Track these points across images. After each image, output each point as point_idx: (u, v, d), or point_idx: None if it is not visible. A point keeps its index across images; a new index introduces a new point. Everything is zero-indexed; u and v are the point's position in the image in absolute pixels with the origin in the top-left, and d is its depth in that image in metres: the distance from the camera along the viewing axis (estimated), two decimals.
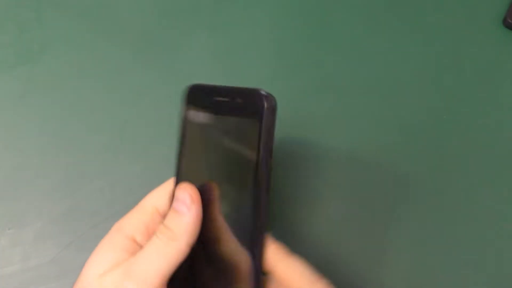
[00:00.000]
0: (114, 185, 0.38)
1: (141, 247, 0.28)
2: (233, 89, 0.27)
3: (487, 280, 0.36)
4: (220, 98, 0.28)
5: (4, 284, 0.35)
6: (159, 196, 0.30)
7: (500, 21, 0.45)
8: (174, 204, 0.27)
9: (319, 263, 0.28)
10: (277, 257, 0.26)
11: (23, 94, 0.42)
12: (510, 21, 0.44)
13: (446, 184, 0.39)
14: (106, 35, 0.44)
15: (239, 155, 0.26)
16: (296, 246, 0.37)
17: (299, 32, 0.45)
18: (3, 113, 0.41)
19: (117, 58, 0.43)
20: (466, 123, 0.41)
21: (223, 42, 0.44)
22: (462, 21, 0.45)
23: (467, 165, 0.39)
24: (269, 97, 0.26)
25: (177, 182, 0.29)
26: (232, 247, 0.26)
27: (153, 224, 0.29)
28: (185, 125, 0.29)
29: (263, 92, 0.26)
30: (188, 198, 0.26)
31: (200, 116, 0.29)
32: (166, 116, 0.41)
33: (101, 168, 0.39)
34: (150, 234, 0.29)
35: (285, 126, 0.41)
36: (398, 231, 0.37)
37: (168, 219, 0.27)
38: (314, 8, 0.46)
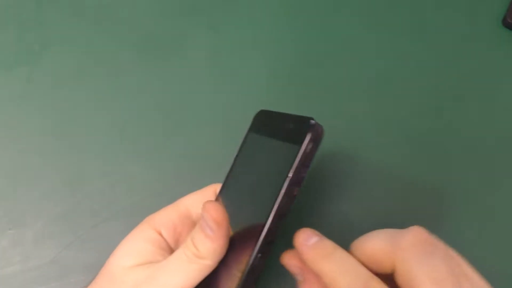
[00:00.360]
0: (114, 186, 0.38)
1: (165, 241, 0.28)
2: (289, 116, 0.28)
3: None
4: (276, 123, 0.29)
5: (4, 284, 0.35)
6: (195, 199, 0.30)
7: (500, 21, 0.45)
8: (202, 222, 0.26)
9: None
10: (320, 257, 0.24)
11: (23, 94, 0.42)
12: (509, 21, 0.44)
13: (446, 183, 0.39)
14: (106, 35, 0.45)
15: (270, 178, 0.27)
16: None
17: (299, 32, 0.45)
18: (3, 113, 0.41)
19: (117, 58, 0.43)
20: (466, 123, 0.41)
21: (223, 42, 0.44)
22: (462, 21, 0.45)
23: (467, 164, 0.39)
24: (316, 127, 0.26)
25: (221, 191, 0.30)
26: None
27: (181, 223, 0.30)
28: (243, 144, 0.31)
29: (312, 122, 0.26)
30: (213, 222, 0.26)
31: (255, 139, 0.31)
32: (167, 116, 0.41)
33: (101, 169, 0.39)
34: (175, 231, 0.29)
35: None
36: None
37: (195, 237, 0.26)
38: (314, 8, 0.46)
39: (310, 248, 0.25)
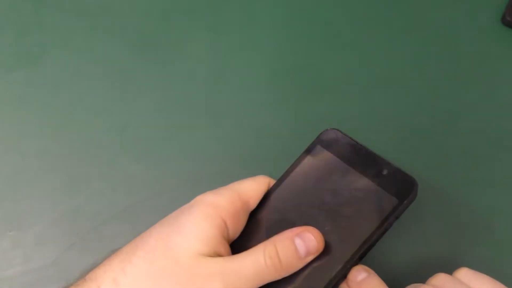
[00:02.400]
0: (114, 187, 0.38)
1: (228, 231, 0.28)
2: (386, 162, 0.29)
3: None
4: (365, 160, 0.30)
5: (5, 286, 0.35)
6: (252, 186, 0.30)
7: (499, 19, 0.45)
8: (300, 242, 0.27)
9: None
10: None
11: (23, 96, 0.42)
12: (508, 18, 0.44)
13: (445, 182, 0.39)
14: (106, 36, 0.45)
15: (356, 215, 0.28)
16: None
17: (298, 32, 0.45)
18: (3, 115, 0.41)
19: (117, 59, 0.43)
20: (464, 121, 0.41)
21: (223, 42, 0.44)
22: (461, 19, 0.45)
23: (466, 163, 0.39)
24: (417, 189, 0.28)
25: (273, 189, 0.31)
26: None
27: (242, 214, 0.30)
28: (307, 155, 0.32)
29: (417, 183, 0.28)
30: (314, 250, 0.27)
31: (327, 158, 0.31)
32: (166, 116, 0.41)
33: (102, 170, 0.39)
34: (238, 222, 0.29)
35: (284, 126, 0.41)
36: (397, 230, 0.37)
37: (283, 251, 0.27)
38: (313, 8, 0.46)
39: (358, 284, 0.27)
